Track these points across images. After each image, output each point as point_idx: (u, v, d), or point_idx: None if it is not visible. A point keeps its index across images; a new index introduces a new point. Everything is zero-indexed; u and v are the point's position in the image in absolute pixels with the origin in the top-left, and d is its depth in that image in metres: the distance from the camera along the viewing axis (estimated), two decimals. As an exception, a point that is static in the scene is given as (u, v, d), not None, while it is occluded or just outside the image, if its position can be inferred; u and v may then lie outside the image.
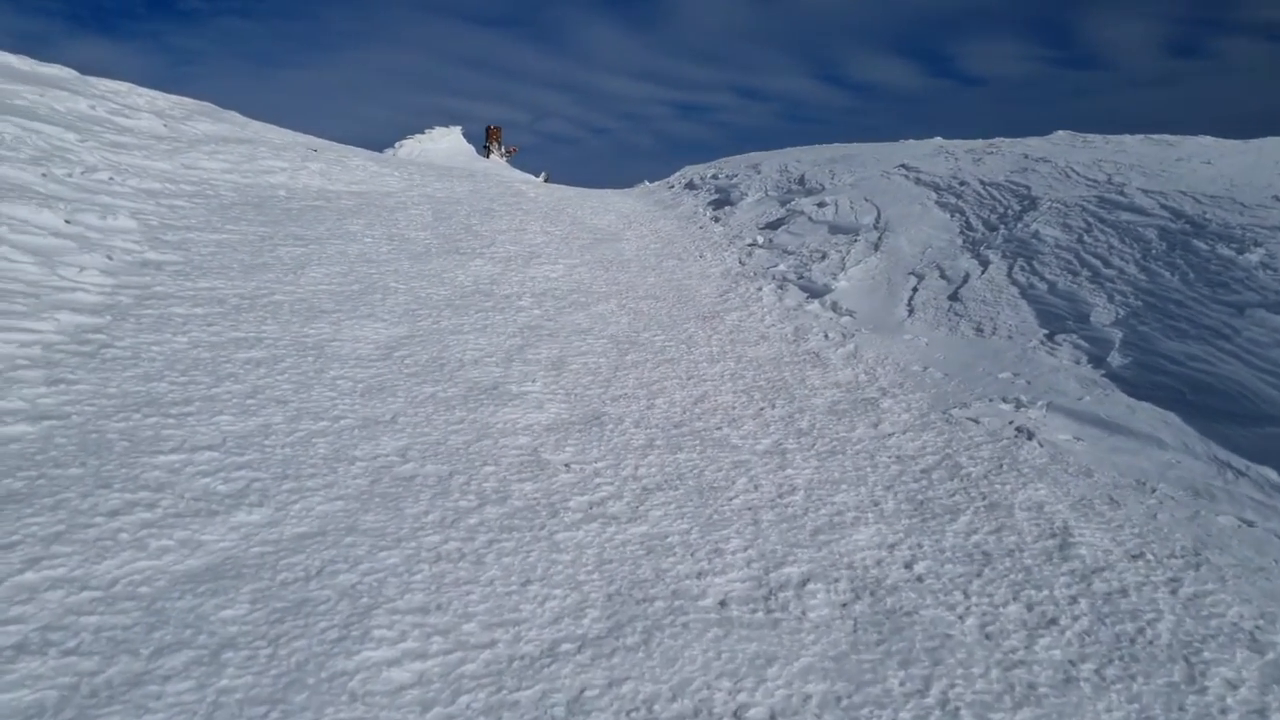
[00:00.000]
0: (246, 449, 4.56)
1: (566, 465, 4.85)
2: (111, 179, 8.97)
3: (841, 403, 6.38)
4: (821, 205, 11.85)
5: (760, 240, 11.72)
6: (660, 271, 10.62)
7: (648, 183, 21.56)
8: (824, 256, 10.21)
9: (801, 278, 9.84)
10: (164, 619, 3.18)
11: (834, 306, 8.87)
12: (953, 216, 9.92)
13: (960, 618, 3.72)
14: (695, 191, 16.87)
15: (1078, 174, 9.75)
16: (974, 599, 3.87)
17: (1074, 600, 3.91)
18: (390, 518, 4.10)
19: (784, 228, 11.76)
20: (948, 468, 5.26)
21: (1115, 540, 4.49)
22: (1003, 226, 9.09)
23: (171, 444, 4.51)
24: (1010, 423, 6.00)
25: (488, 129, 29.21)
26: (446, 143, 27.33)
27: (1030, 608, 3.83)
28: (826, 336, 8.10)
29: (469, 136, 28.75)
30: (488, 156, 28.64)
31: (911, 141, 14.60)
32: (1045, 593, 3.96)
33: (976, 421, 6.03)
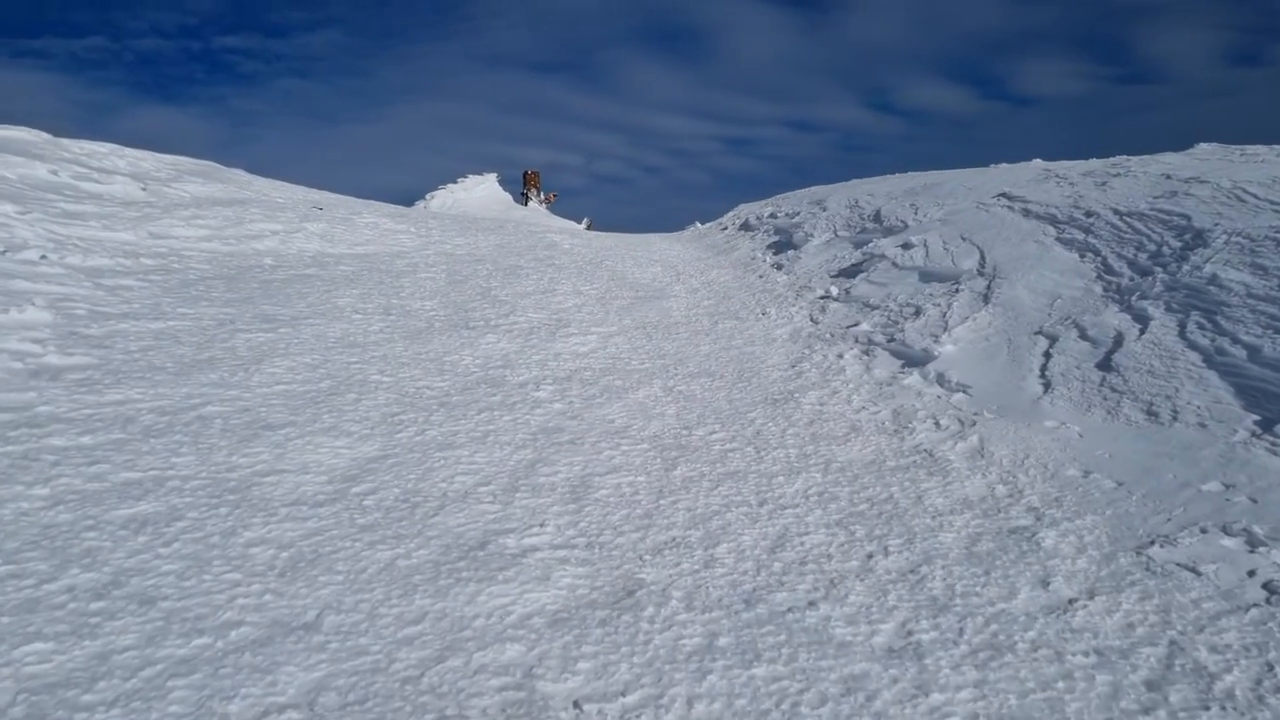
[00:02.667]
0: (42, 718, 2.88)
1: (576, 705, 3.08)
2: (43, 257, 7.53)
3: (983, 539, 4.53)
4: (907, 247, 10.03)
5: (834, 291, 9.93)
6: (715, 337, 8.88)
7: (699, 224, 19.98)
8: (918, 312, 8.38)
9: (893, 340, 8.02)
10: None
11: (941, 380, 7.02)
12: (1083, 257, 8.02)
13: None
14: (752, 233, 15.19)
15: (1254, 196, 7.80)
16: None
17: None
18: None
19: (862, 275, 9.96)
20: (1188, 675, 3.37)
21: None
22: (1160, 270, 7.18)
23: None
24: (1251, 574, 4.09)
25: (525, 174, 27.90)
26: (481, 191, 26.06)
27: None
28: (938, 424, 6.26)
29: (505, 183, 27.49)
30: (525, 204, 27.30)
31: (1005, 166, 12.72)
32: None
33: (1194, 570, 4.13)
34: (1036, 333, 7.21)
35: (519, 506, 4.69)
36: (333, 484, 4.76)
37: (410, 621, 3.48)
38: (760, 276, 11.89)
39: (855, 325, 8.73)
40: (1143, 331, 6.50)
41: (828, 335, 8.68)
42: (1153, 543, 4.40)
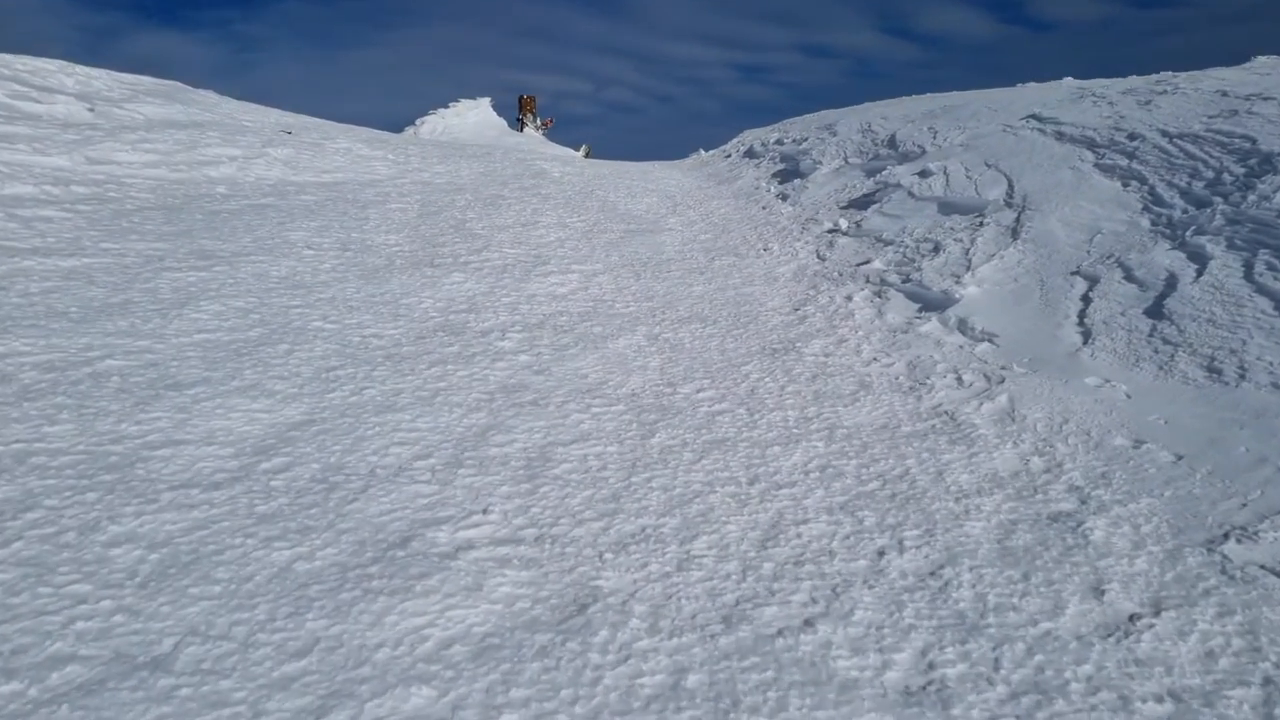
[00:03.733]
0: None
1: (491, 783, 2.34)
2: (-52, 186, 6.70)
3: (1018, 529, 3.76)
4: (925, 175, 9.11)
5: (844, 225, 9.06)
6: (710, 276, 8.05)
7: (702, 152, 18.98)
8: (937, 248, 7.52)
9: (909, 280, 7.18)
10: None
11: (963, 327, 6.21)
12: (1126, 186, 7.11)
13: None
14: (757, 161, 14.24)
15: (1329, 114, 6.87)
16: None
17: None
18: None
19: (875, 207, 9.07)
20: (1290, 730, 2.62)
21: None
22: (1220, 201, 6.28)
23: None
24: (1354, 582, 3.33)
25: (520, 99, 26.68)
26: (474, 117, 24.92)
27: None
28: (960, 380, 5.46)
29: (500, 108, 26.36)
30: (521, 130, 26.16)
31: (1033, 85, 11.68)
32: None
33: (1282, 575, 3.37)
34: (1073, 273, 6.36)
35: (460, 487, 3.93)
36: (239, 458, 4.00)
37: (293, 654, 2.74)
38: (763, 208, 11.00)
39: (866, 263, 7.88)
40: (1200, 272, 5.65)
41: (835, 274, 7.84)
42: (1227, 536, 3.63)
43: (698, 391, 5.32)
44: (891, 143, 10.97)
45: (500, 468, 4.16)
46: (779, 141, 14.54)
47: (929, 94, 13.82)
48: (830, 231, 9.11)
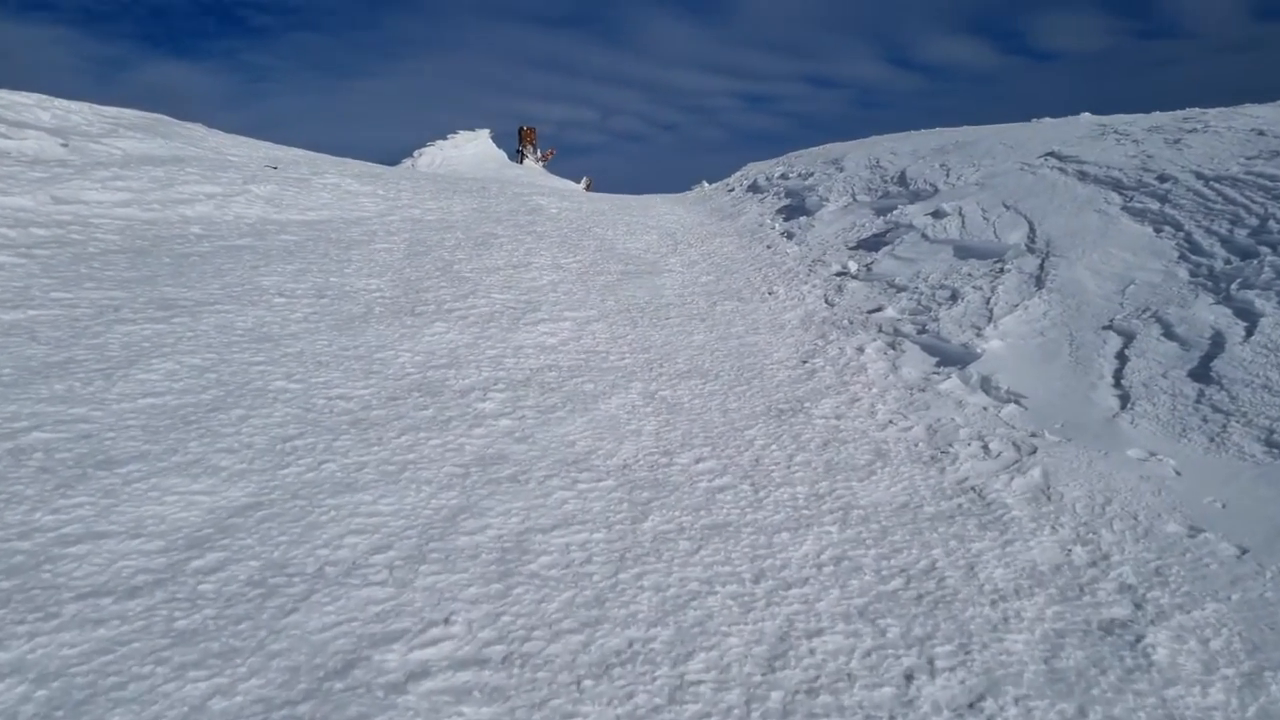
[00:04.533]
0: None
1: None
2: (-110, 230, 6.24)
3: (1067, 643, 3.24)
4: (939, 215, 8.65)
5: (853, 267, 8.59)
6: (712, 323, 7.57)
7: (705, 184, 18.58)
8: (955, 296, 7.03)
9: (924, 331, 6.69)
10: None
11: (986, 386, 5.71)
12: (1160, 232, 6.63)
13: None
14: (761, 196, 13.82)
15: (1384, 157, 6.40)
16: None
17: None
18: None
19: (886, 249, 8.60)
20: None
21: None
22: (1268, 250, 5.79)
23: None
24: None
25: (520, 130, 26.35)
26: (473, 148, 24.58)
27: None
28: (987, 449, 4.96)
29: (500, 139, 26.01)
30: (520, 161, 25.81)
31: (1049, 121, 11.25)
32: None
33: (1388, 713, 2.84)
34: (1105, 327, 5.87)
35: (420, 589, 3.42)
36: (167, 554, 3.49)
37: (189, 837, 2.22)
38: (768, 247, 10.54)
39: (879, 310, 7.40)
40: (1251, 331, 5.15)
41: (845, 322, 7.36)
42: (1314, 658, 3.10)
43: (697, 462, 4.81)
44: (902, 180, 10.52)
45: (469, 562, 3.65)
46: (784, 176, 14.12)
47: (939, 128, 13.40)
48: (839, 274, 8.63)
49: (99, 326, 5.79)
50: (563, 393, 5.71)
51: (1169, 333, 5.48)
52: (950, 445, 5.03)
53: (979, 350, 6.06)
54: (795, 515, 4.24)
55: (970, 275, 7.23)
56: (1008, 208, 8.02)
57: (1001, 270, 7.04)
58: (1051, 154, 9.03)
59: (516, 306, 7.55)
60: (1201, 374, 5.06)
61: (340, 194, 11.43)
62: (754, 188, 14.64)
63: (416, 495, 4.19)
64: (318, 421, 4.89)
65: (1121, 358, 5.48)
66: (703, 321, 7.65)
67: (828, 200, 11.26)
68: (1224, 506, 4.11)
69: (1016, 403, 5.41)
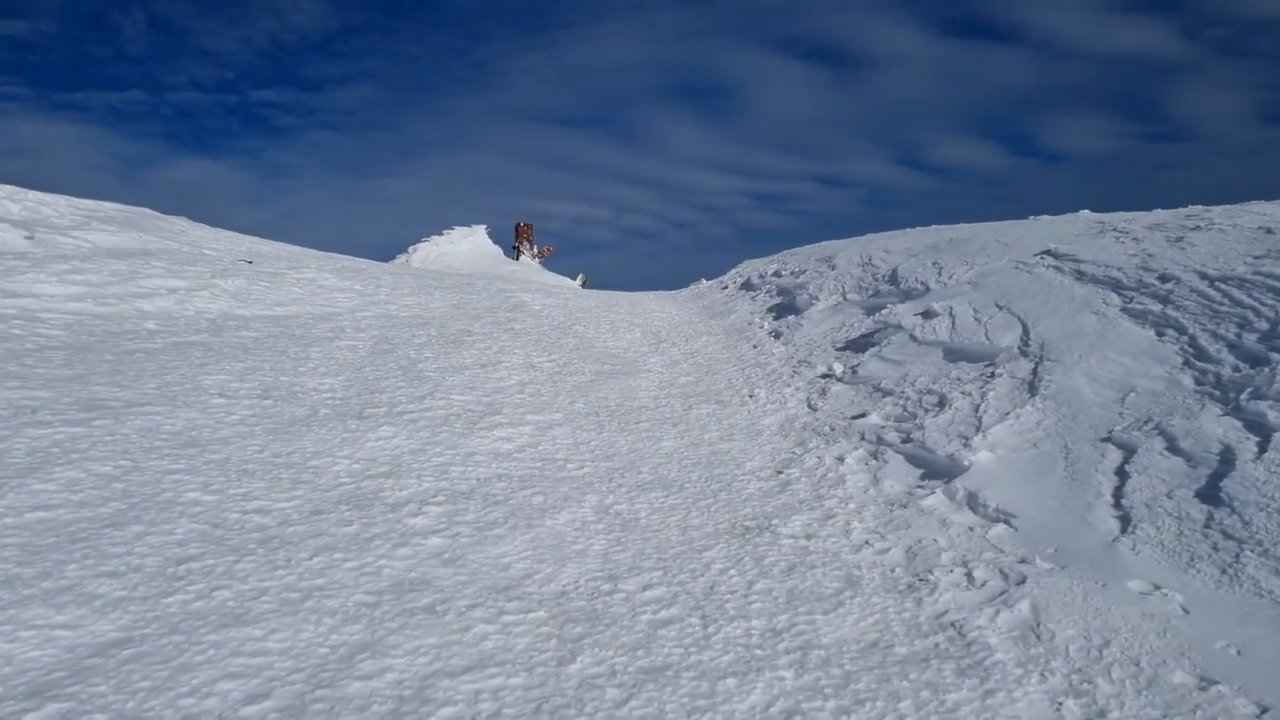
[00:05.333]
0: None
1: None
2: None
3: (1052, 833, 2.70)
4: (928, 315, 8.27)
5: (839, 369, 8.18)
6: (685, 428, 7.13)
7: (704, 281, 18.39)
8: (942, 402, 6.59)
9: (909, 439, 6.24)
10: None
11: (973, 502, 5.23)
12: (1162, 336, 6.21)
13: None
14: (753, 294, 13.54)
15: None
16: None
17: None
18: None
19: (874, 350, 8.20)
20: None
21: None
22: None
23: None
24: None
25: (517, 227, 26.33)
26: (469, 244, 24.52)
27: None
28: (970, 577, 4.46)
29: (495, 235, 25.96)
30: (516, 258, 25.73)
31: (1046, 218, 10.96)
32: None
33: None
34: (1104, 439, 5.40)
35: (284, 755, 2.91)
36: (-4, 705, 3.00)
37: None
38: (754, 346, 10.17)
39: (862, 416, 6.96)
40: (1263, 447, 4.68)
41: (827, 428, 6.91)
42: None
43: (643, 589, 4.32)
44: (893, 278, 10.20)
45: (355, 716, 3.15)
46: (777, 274, 13.85)
47: (934, 225, 13.16)
48: (824, 377, 8.22)
49: (7, 430, 5.37)
50: (508, 506, 5.25)
51: (1173, 447, 5.01)
52: (930, 571, 4.53)
53: (966, 463, 5.59)
54: (747, 656, 3.73)
55: (960, 380, 6.81)
56: (1000, 308, 7.64)
57: (993, 375, 6.62)
58: (1047, 252, 8.69)
59: (476, 409, 7.13)
60: (1210, 495, 4.57)
61: (314, 289, 11.15)
62: (747, 285, 14.37)
63: (315, 629, 3.70)
64: (223, 540, 4.42)
65: (1121, 474, 5.00)
66: (674, 426, 7.21)
67: (818, 299, 10.93)
68: (1239, 653, 3.59)
69: (1006, 523, 4.92)
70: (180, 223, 14.06)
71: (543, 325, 11.10)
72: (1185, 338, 6.01)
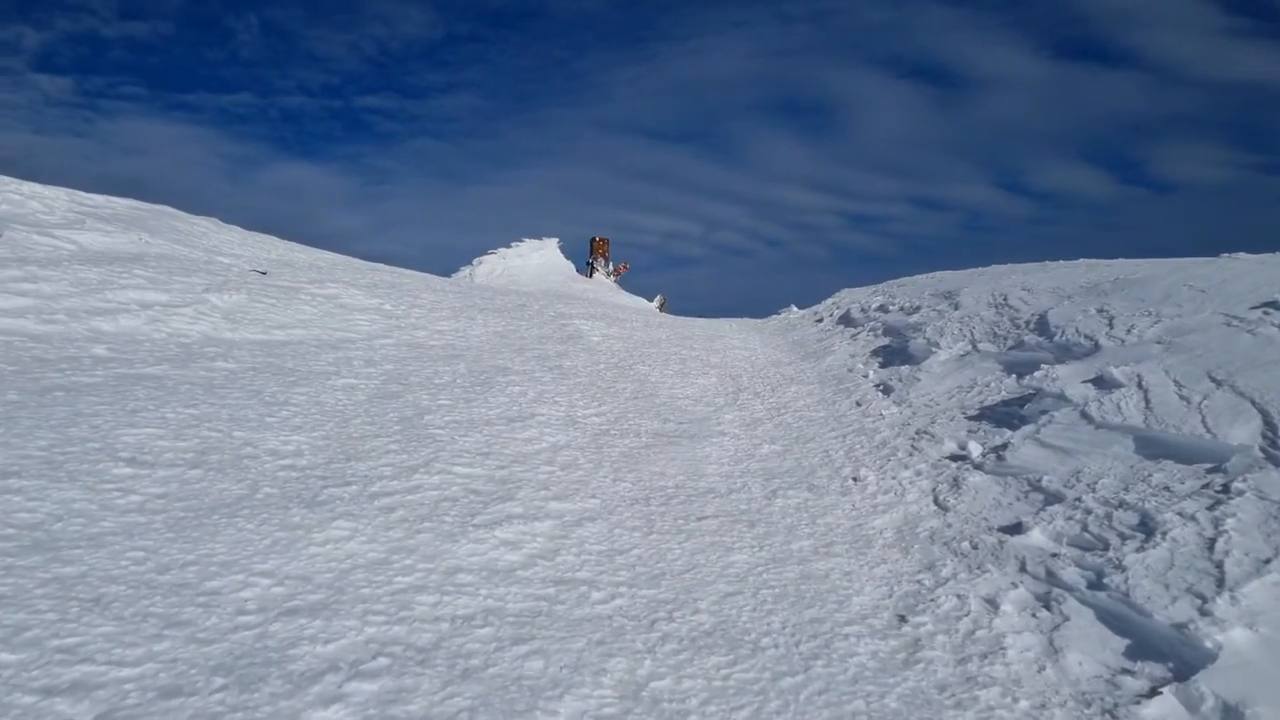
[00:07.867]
0: None
1: None
2: None
3: None
4: (1105, 385, 6.21)
5: (975, 451, 6.18)
6: (765, 530, 5.25)
7: (794, 309, 16.46)
8: (1147, 526, 4.56)
9: (1102, 583, 4.23)
10: None
11: (1227, 715, 3.22)
12: None
13: None
14: (854, 331, 11.55)
15: None
16: None
17: None
18: None
19: (1028, 428, 6.17)
20: None
21: None
22: None
23: None
24: None
25: (592, 241, 24.67)
26: (538, 259, 22.93)
27: None
28: None
29: (568, 250, 24.32)
30: (590, 275, 24.05)
31: (1245, 256, 8.76)
32: None
33: None
34: None
35: None
36: None
37: None
38: (858, 403, 8.20)
39: (1018, 530, 4.97)
40: None
41: (966, 545, 4.94)
42: None
43: None
44: (1042, 326, 8.12)
45: None
46: (883, 308, 11.84)
47: (1084, 259, 10.99)
48: (955, 458, 6.24)
49: None
50: (482, 680, 3.42)
51: None
52: None
53: (1209, 644, 3.58)
54: None
55: (1170, 491, 4.77)
56: (1217, 383, 5.55)
57: (1226, 489, 4.57)
58: (1272, 304, 6.55)
59: (483, 490, 5.35)
60: None
61: (331, 308, 9.55)
62: (846, 319, 12.39)
63: None
64: (-22, 757, 2.68)
65: None
66: (751, 527, 5.32)
67: (938, 345, 8.90)
68: None
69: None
70: (203, 222, 12.69)
71: (598, 363, 9.31)
72: None
